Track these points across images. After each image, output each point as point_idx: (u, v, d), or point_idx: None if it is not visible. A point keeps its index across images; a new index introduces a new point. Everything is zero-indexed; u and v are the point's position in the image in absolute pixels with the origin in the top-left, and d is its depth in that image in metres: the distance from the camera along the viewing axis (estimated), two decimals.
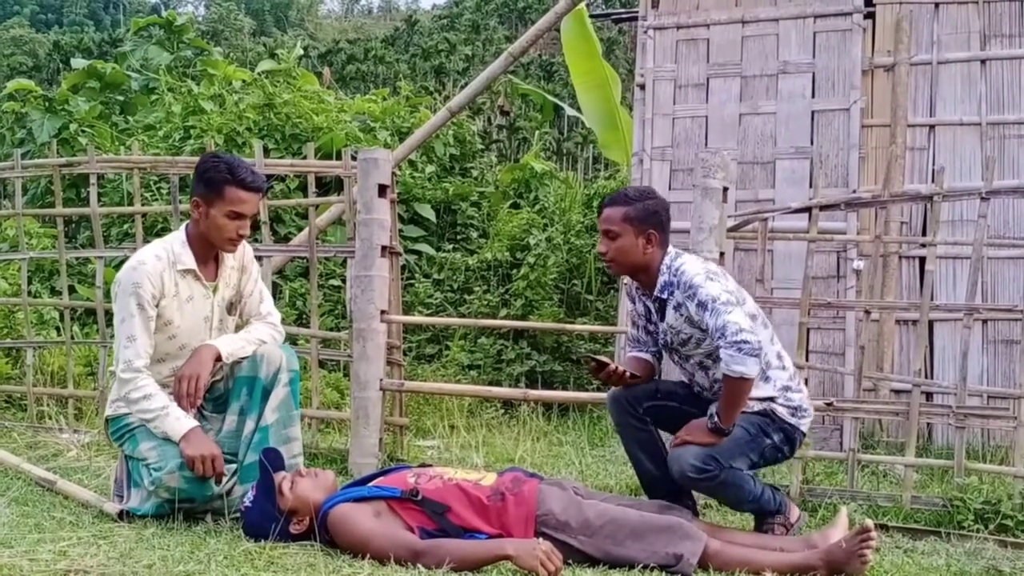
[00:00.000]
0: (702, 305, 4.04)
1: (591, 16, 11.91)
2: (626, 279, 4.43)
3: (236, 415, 4.43)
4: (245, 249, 4.60)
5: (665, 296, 4.18)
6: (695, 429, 4.12)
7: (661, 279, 4.18)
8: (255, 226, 4.58)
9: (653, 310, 4.31)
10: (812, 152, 8.42)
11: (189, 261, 4.36)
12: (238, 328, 4.64)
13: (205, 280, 4.42)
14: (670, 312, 4.18)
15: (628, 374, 4.30)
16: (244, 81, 12.65)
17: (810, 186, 8.18)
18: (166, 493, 4.15)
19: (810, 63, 8.51)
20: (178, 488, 4.13)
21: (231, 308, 4.56)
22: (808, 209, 5.67)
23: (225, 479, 4.23)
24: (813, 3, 8.58)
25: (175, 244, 4.39)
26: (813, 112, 8.44)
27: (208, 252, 4.44)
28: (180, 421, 4.20)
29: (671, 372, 4.56)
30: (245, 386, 4.41)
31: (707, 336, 4.08)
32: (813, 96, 8.46)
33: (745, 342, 3.93)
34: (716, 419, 4.06)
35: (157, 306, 4.29)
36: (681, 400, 4.38)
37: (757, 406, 4.17)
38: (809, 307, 5.48)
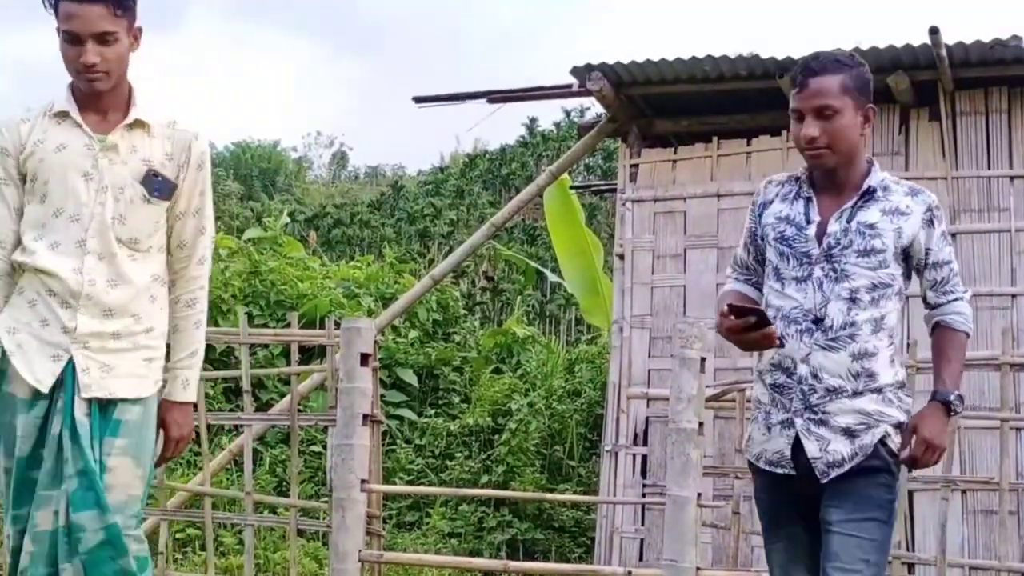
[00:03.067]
0: (945, 236, 3.38)
1: (572, 187, 12.20)
2: (766, 182, 3.57)
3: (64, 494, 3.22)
4: (195, 142, 3.48)
5: (878, 193, 3.33)
6: (931, 428, 3.27)
7: (874, 176, 3.35)
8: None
9: (817, 211, 3.36)
10: None
11: (64, 103, 3.37)
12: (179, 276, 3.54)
13: (89, 128, 3.36)
14: (873, 211, 3.31)
15: (778, 338, 3.26)
16: (230, 248, 12.85)
17: None
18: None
19: None
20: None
21: (152, 184, 3.39)
22: None
23: None
24: None
25: (60, 90, 3.46)
26: None
27: (96, 99, 3.38)
28: None
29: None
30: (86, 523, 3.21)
31: (894, 263, 3.30)
32: None
33: (968, 302, 3.45)
34: (948, 395, 3.31)
35: (19, 164, 3.35)
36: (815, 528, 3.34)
37: (887, 402, 3.32)
38: None
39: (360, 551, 5.69)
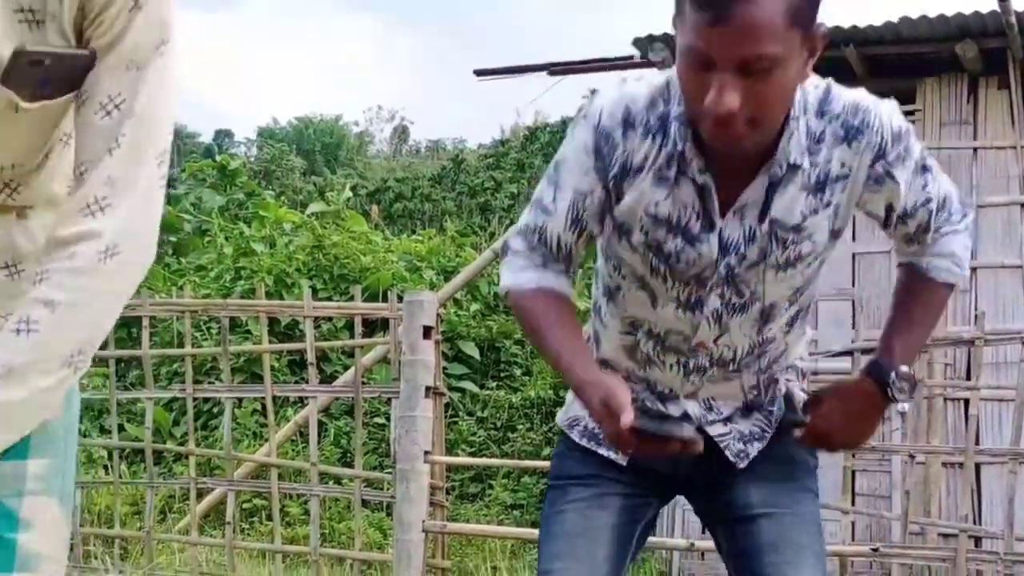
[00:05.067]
0: (926, 169, 2.02)
1: None
2: (623, 116, 1.94)
3: None
4: None
5: (798, 161, 1.91)
6: (842, 416, 2.10)
7: (797, 128, 1.89)
8: None
9: (716, 204, 1.94)
10: (854, 294, 8.46)
11: None
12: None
13: None
14: (792, 193, 1.94)
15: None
16: (294, 223, 12.96)
17: (852, 328, 8.21)
18: None
19: None
20: None
21: (33, 75, 1.37)
22: (851, 352, 5.71)
23: None
24: None
25: None
26: (854, 255, 8.51)
27: None
28: None
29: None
30: None
31: (822, 254, 2.03)
32: (854, 239, 8.53)
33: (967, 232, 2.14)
34: (888, 371, 2.03)
35: None
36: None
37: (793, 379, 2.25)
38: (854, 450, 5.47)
39: (424, 521, 5.75)
